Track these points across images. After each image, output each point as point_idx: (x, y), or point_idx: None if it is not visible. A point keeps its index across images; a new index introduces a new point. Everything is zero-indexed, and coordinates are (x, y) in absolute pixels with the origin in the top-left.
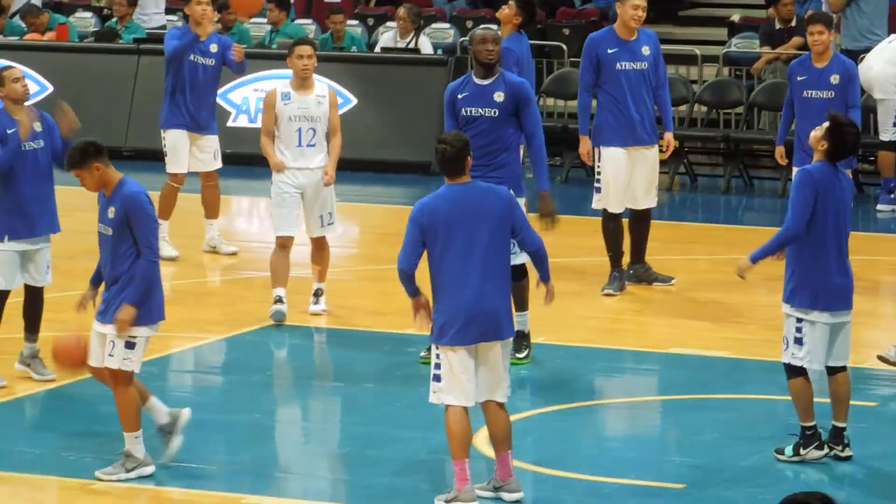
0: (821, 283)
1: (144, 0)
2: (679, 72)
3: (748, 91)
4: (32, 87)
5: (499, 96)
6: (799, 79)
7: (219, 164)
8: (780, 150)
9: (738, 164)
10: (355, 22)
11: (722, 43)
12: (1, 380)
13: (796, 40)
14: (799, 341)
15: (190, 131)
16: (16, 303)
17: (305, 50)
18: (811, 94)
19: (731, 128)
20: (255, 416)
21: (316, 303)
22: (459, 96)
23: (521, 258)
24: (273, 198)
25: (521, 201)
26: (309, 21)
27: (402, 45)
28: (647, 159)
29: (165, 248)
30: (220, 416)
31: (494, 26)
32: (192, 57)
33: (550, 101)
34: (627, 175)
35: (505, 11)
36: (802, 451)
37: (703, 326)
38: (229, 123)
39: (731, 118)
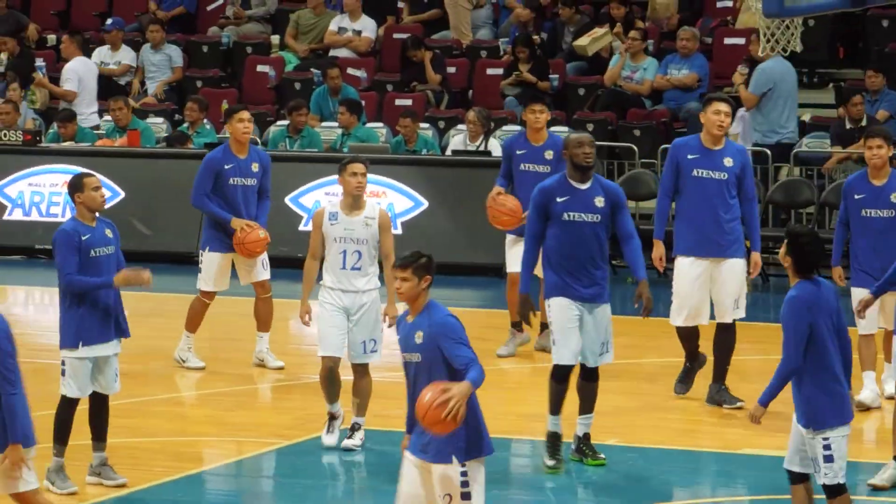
0: (834, 398)
1: (79, 100)
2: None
3: (819, 190)
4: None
5: (599, 201)
6: (857, 197)
7: (267, 275)
8: (837, 272)
9: None
10: (426, 125)
11: (791, 144)
12: (72, 485)
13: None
14: (829, 458)
15: (232, 252)
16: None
17: (360, 168)
18: (870, 213)
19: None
20: None
21: (350, 436)
22: (559, 200)
23: (602, 359)
24: (319, 316)
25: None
26: (380, 124)
27: (472, 147)
28: (729, 271)
29: (192, 360)
30: None
31: (587, 135)
32: (231, 180)
33: None
34: (700, 287)
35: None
36: None
37: (777, 426)
38: (301, 227)
39: (802, 217)
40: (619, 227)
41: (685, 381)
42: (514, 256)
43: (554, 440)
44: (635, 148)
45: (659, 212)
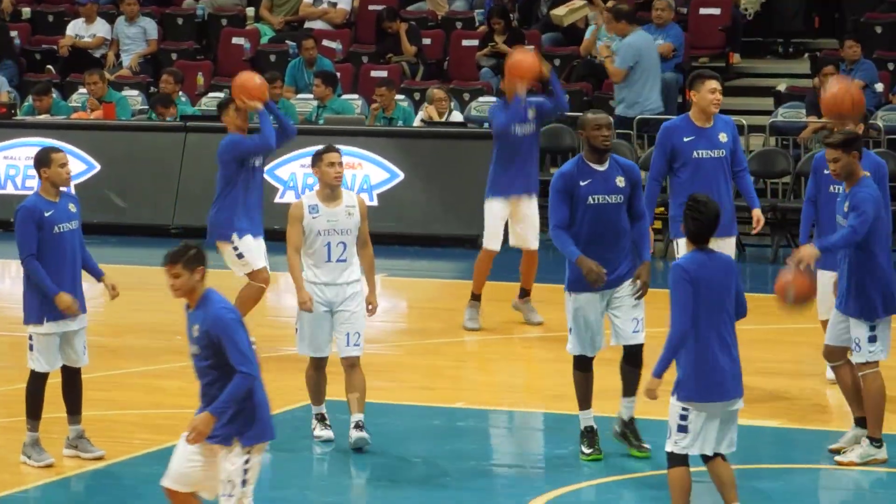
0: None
1: None
2: None
3: (795, 160)
4: (80, 167)
5: (620, 181)
6: (826, 172)
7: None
8: (808, 251)
9: (785, 234)
10: (402, 96)
11: (768, 113)
12: (49, 457)
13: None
14: (683, 429)
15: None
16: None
17: (336, 157)
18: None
19: (779, 197)
20: (305, 493)
21: (361, 433)
22: (582, 184)
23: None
24: (299, 315)
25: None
26: (356, 96)
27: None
28: (727, 249)
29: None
30: (271, 493)
31: (604, 115)
32: (256, 161)
33: None
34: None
35: None
36: None
37: (753, 396)
38: (276, 199)
39: (778, 188)
40: (633, 204)
41: None
42: (493, 232)
43: (590, 434)
44: (611, 118)
45: (649, 197)
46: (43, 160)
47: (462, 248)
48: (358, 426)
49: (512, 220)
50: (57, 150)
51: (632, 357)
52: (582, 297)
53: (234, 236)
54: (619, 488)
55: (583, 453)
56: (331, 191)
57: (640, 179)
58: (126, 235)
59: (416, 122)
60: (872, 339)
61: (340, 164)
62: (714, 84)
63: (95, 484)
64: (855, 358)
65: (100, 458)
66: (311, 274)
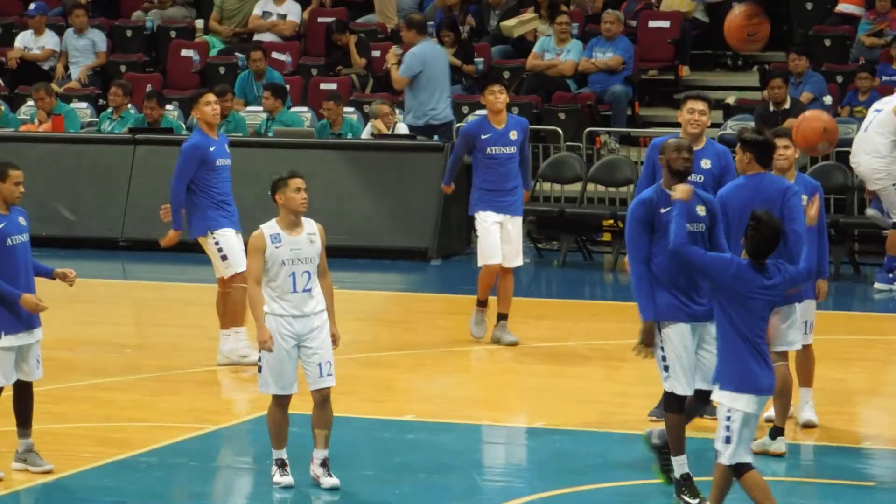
0: None
1: None
2: None
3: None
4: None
5: (701, 210)
6: None
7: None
8: None
9: None
10: (351, 109)
11: (718, 125)
12: None
13: (790, 122)
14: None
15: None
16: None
17: (302, 182)
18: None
19: None
20: None
21: (328, 474)
22: (662, 210)
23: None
24: (263, 352)
25: None
26: (305, 109)
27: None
28: None
29: (253, 353)
30: None
31: (685, 140)
32: (219, 161)
33: (547, 186)
34: None
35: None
36: None
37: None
38: None
39: None
40: (712, 237)
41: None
42: (488, 245)
43: (688, 482)
44: (560, 131)
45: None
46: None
47: (412, 261)
48: (324, 464)
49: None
50: (15, 166)
51: (703, 394)
52: (673, 329)
53: (212, 232)
54: (569, 500)
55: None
56: (295, 218)
57: (719, 212)
58: (75, 248)
59: (365, 135)
60: None
61: (305, 189)
62: (695, 105)
63: (45, 497)
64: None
65: (49, 472)
66: (276, 307)
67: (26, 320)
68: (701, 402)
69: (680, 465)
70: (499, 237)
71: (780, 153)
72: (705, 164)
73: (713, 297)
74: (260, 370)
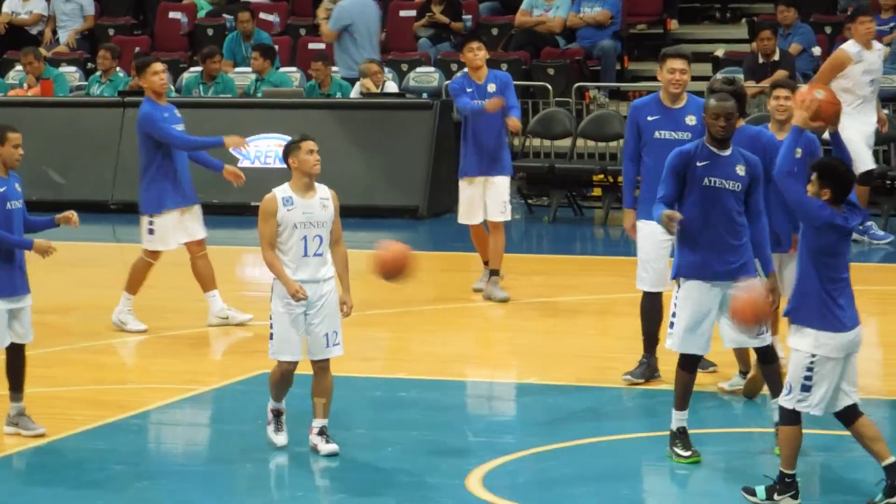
0: None
1: None
2: None
3: None
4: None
5: (741, 170)
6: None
7: (205, 233)
8: None
9: None
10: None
11: (707, 78)
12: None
13: (780, 73)
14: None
15: (189, 205)
16: None
17: (314, 145)
18: None
19: None
20: (246, 467)
21: (327, 441)
22: (699, 164)
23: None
24: (275, 318)
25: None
26: (294, 69)
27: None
28: None
29: (133, 322)
30: (212, 467)
31: (730, 100)
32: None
33: (536, 142)
34: (665, 251)
35: None
36: (777, 497)
37: None
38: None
39: None
40: (751, 202)
41: (639, 368)
42: (467, 207)
43: (683, 435)
44: (549, 87)
45: (626, 178)
46: None
47: (402, 219)
48: (322, 433)
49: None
50: (13, 129)
51: (764, 354)
52: (692, 285)
53: (159, 212)
54: (561, 455)
55: (679, 456)
56: (308, 181)
57: (761, 175)
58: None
59: (354, 95)
60: None
61: (317, 150)
62: (675, 63)
63: (37, 461)
64: None
65: (41, 436)
66: (288, 272)
67: (20, 284)
68: (767, 363)
69: (679, 419)
70: (477, 197)
71: (781, 104)
72: (690, 120)
73: (803, 237)
74: (272, 336)
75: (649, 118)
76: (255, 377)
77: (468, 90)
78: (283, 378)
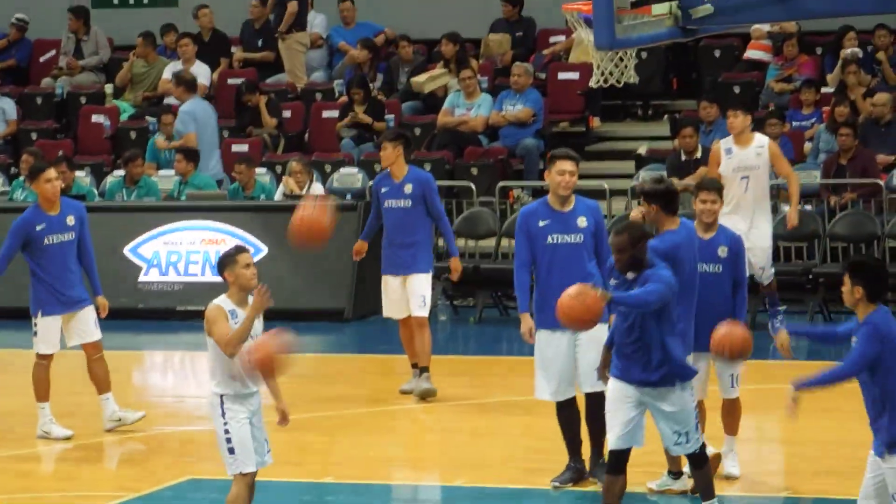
0: None
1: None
2: None
3: None
4: None
5: (723, 251)
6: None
7: (99, 335)
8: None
9: None
10: (263, 170)
11: (630, 176)
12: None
13: (702, 170)
14: None
15: (64, 313)
16: None
17: (250, 258)
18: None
19: None
20: None
21: None
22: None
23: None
24: (232, 429)
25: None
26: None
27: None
28: (593, 339)
29: (57, 430)
30: None
31: (619, 235)
32: (47, 239)
33: (461, 242)
34: (567, 357)
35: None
36: None
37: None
38: (140, 278)
39: None
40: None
41: (565, 473)
42: (388, 303)
43: None
44: (473, 186)
45: (519, 284)
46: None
47: (328, 322)
48: None
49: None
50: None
51: (695, 459)
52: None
53: (39, 314)
54: None
55: None
56: (244, 294)
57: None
58: None
59: (278, 196)
60: None
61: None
62: (565, 165)
63: None
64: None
65: None
66: (237, 386)
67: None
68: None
69: None
70: (397, 294)
71: (707, 208)
72: (581, 222)
73: (872, 372)
74: (232, 451)
75: (540, 223)
76: (184, 483)
77: (383, 189)
78: (249, 491)
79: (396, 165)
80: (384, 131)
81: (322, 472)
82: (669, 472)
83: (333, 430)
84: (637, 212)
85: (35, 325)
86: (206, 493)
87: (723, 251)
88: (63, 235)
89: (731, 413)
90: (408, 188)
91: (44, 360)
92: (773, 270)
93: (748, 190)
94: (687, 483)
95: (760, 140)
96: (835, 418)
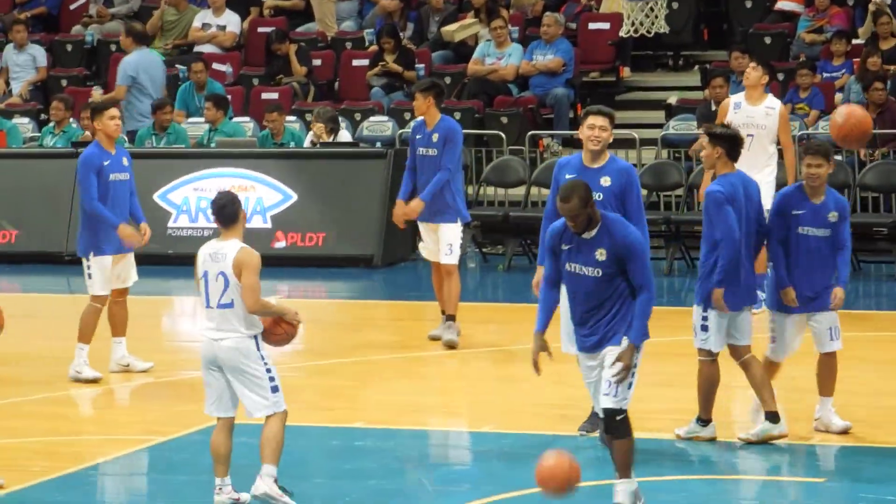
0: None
1: None
2: (619, 155)
3: (687, 173)
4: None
5: (833, 217)
6: (794, 213)
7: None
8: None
9: (679, 246)
10: (293, 118)
11: (660, 126)
12: None
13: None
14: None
15: (121, 253)
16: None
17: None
18: (807, 230)
19: (672, 209)
20: None
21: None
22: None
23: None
24: (274, 370)
25: None
26: (247, 119)
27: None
28: None
29: (87, 371)
30: None
31: (570, 201)
32: (112, 176)
33: (490, 190)
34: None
35: None
36: None
37: (657, 409)
38: (170, 224)
39: (671, 200)
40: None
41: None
42: (423, 246)
43: None
44: (503, 135)
45: (543, 236)
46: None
47: (357, 268)
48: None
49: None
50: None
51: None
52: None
53: (92, 255)
54: (515, 503)
55: None
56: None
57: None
58: (19, 263)
59: (307, 144)
60: (704, 328)
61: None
62: (595, 120)
63: None
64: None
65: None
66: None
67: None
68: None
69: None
70: (430, 240)
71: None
72: (605, 181)
73: None
74: (276, 390)
75: (567, 176)
76: (213, 426)
77: (417, 136)
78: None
79: (429, 115)
80: (416, 81)
81: (351, 417)
82: (698, 419)
83: (363, 375)
84: (702, 146)
85: (88, 266)
86: (235, 436)
87: (833, 216)
88: (120, 175)
89: (830, 370)
90: (435, 137)
91: (98, 301)
92: None
93: (750, 148)
94: (715, 431)
95: (772, 101)
96: None
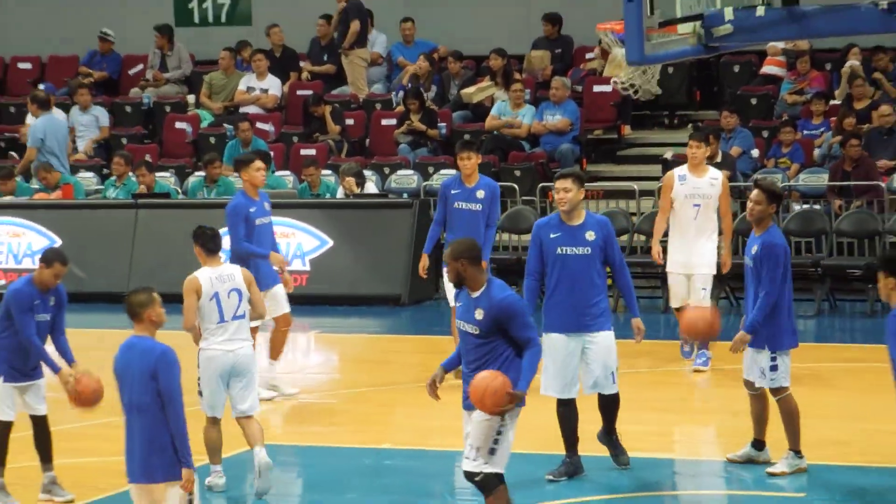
0: None
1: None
2: (619, 205)
3: None
4: (43, 242)
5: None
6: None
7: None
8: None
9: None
10: (328, 171)
11: (657, 178)
12: (14, 501)
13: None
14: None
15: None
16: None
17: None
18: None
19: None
20: None
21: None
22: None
23: None
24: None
25: None
26: (287, 172)
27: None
28: (600, 344)
29: (284, 387)
30: None
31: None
32: (258, 220)
33: (505, 236)
34: (571, 361)
35: None
36: None
37: (654, 430)
38: None
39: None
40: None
41: (560, 467)
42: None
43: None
44: (516, 187)
45: (526, 289)
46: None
47: (386, 306)
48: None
49: None
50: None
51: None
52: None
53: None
54: None
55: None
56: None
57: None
58: (86, 302)
59: (340, 195)
60: (774, 368)
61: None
62: (558, 184)
63: None
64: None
65: (70, 502)
66: None
67: (30, 372)
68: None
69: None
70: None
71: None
72: (590, 236)
73: None
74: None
75: (551, 235)
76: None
77: (454, 191)
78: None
79: (476, 172)
80: (462, 141)
81: (381, 438)
82: (755, 440)
83: (391, 402)
84: (752, 201)
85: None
86: (279, 456)
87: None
88: (264, 219)
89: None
90: (480, 193)
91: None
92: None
93: (697, 217)
94: (770, 455)
95: (714, 172)
96: None
